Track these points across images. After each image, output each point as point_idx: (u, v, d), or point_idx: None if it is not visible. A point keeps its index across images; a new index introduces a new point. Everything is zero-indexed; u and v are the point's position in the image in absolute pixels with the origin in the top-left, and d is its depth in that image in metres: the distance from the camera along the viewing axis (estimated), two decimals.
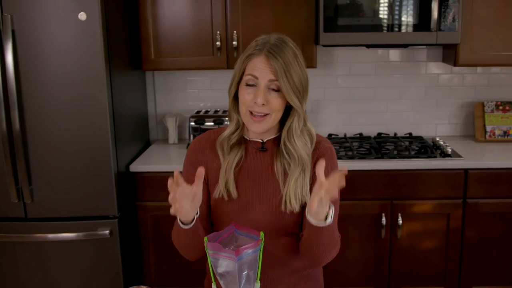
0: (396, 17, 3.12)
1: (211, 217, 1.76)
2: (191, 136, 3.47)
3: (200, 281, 3.23)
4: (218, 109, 3.63)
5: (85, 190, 2.91)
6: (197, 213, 1.54)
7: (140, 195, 3.18)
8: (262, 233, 1.35)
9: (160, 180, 3.14)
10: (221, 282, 1.33)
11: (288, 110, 1.67)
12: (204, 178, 1.70)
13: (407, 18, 3.13)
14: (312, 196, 1.42)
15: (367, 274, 3.24)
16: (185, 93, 3.74)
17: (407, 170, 3.10)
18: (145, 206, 3.18)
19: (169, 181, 1.40)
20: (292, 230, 1.71)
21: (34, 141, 2.85)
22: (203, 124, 3.45)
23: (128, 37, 3.21)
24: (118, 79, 2.99)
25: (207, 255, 1.32)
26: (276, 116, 1.63)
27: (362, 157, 3.16)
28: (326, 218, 1.48)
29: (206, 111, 3.60)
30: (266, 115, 1.61)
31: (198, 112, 3.60)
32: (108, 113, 2.84)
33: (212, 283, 1.37)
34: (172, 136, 3.62)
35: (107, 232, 2.93)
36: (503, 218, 3.14)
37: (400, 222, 3.10)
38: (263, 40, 1.62)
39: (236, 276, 1.26)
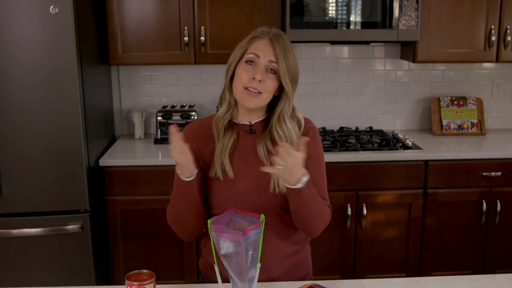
0: (359, 15, 3.24)
1: (208, 200, 1.80)
2: (158, 130, 3.48)
3: (167, 275, 3.28)
4: (184, 104, 3.66)
5: (56, 185, 2.89)
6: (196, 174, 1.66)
7: (108, 190, 3.17)
8: (262, 216, 1.41)
9: (128, 175, 3.16)
10: (225, 263, 1.39)
11: (275, 100, 1.78)
12: (198, 161, 1.77)
13: (370, 16, 3.25)
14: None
15: (333, 263, 3.34)
16: (150, 88, 3.75)
17: (370, 162, 3.22)
18: (114, 200, 3.18)
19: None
20: (280, 211, 1.77)
21: (3, 136, 2.81)
22: (170, 118, 3.47)
23: (95, 32, 3.21)
24: (87, 73, 2.98)
25: (211, 237, 1.38)
26: (267, 97, 1.73)
27: (327, 150, 3.25)
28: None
29: (173, 106, 3.62)
30: (259, 93, 1.70)
31: (165, 107, 3.62)
32: (80, 108, 2.84)
33: (215, 265, 1.43)
34: (138, 131, 3.63)
35: (77, 226, 2.93)
36: (459, 207, 3.31)
37: (365, 212, 3.23)
38: (263, 28, 1.76)
39: (243, 256, 1.32)
